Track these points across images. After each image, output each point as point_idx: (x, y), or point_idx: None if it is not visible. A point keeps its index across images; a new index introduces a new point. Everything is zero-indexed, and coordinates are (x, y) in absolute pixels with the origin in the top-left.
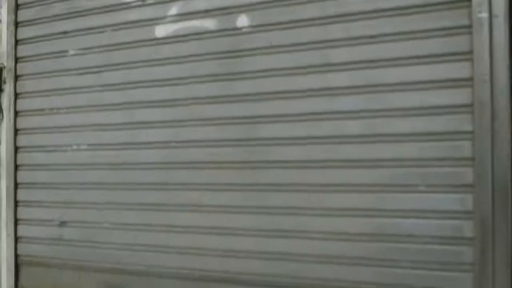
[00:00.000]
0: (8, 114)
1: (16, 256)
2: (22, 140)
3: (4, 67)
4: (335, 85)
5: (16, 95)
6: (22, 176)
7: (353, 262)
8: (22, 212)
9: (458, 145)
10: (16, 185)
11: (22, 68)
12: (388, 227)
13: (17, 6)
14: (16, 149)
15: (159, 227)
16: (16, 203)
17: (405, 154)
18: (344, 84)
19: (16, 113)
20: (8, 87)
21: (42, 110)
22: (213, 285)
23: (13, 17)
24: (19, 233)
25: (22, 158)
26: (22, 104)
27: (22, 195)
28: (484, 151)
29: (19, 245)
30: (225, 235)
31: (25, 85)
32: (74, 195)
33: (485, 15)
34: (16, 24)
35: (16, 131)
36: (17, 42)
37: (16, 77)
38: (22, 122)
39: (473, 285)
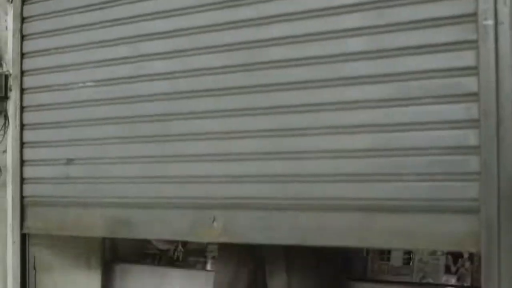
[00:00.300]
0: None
1: (22, 197)
2: (28, 82)
3: (10, 75)
4: (338, 4)
5: (23, 37)
6: (28, 117)
7: (358, 179)
8: (28, 154)
9: (462, 55)
10: (22, 126)
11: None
12: (393, 141)
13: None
14: (22, 90)
15: (162, 158)
16: (22, 145)
17: (408, 67)
18: (347, 2)
19: (22, 54)
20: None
21: (47, 50)
22: (217, 211)
23: (19, 25)
24: (25, 175)
25: (28, 99)
26: (29, 46)
27: (28, 136)
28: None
29: (24, 186)
30: (229, 161)
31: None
32: (80, 133)
33: (490, 22)
34: (23, 19)
35: (22, 73)
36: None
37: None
38: (27, 64)
39: (479, 193)
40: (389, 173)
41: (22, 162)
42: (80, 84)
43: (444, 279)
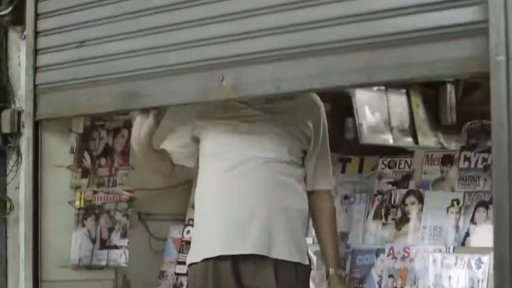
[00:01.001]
0: None
1: (35, 86)
2: None
3: (23, 111)
4: None
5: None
6: (43, 6)
7: (362, 19)
8: (42, 42)
9: None
10: (36, 16)
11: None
12: None
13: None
14: None
15: (168, 26)
16: (36, 34)
17: None
18: None
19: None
20: None
21: None
22: (225, 70)
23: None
24: (38, 63)
25: None
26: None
27: (41, 25)
28: None
29: (37, 75)
30: (236, 19)
31: None
32: (93, 14)
33: (502, 58)
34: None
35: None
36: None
37: None
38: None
39: (481, 17)
40: (392, 8)
41: (36, 51)
42: None
43: None
